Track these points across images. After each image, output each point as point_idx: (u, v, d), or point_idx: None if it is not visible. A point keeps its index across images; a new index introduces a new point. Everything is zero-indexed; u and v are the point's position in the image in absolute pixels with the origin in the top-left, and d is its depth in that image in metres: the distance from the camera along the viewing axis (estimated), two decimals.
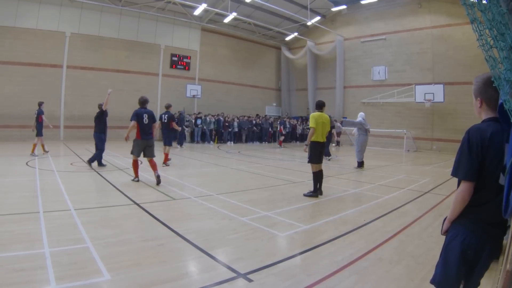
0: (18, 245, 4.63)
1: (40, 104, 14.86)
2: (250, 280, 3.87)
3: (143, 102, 10.24)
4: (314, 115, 8.39)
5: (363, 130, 13.94)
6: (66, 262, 4.14)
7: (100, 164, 11.90)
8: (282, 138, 26.55)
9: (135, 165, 9.69)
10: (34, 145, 14.36)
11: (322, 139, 8.37)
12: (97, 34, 24.13)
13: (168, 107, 13.68)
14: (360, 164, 13.92)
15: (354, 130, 14.77)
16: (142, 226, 5.70)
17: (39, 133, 14.59)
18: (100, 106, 12.29)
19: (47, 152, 14.94)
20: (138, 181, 9.56)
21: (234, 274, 4.01)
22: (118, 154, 15.78)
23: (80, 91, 23.01)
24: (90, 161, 11.88)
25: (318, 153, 8.35)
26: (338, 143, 26.22)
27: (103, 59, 24.30)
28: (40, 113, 14.57)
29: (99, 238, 4.96)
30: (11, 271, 3.86)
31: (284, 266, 4.31)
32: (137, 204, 6.98)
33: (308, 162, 8.46)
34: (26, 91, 21.38)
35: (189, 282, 3.85)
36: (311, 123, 8.29)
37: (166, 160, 13.07)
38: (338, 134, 25.43)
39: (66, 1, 22.62)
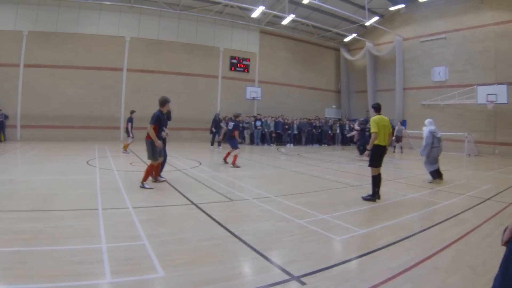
0: (77, 239, 4.74)
1: (131, 112, 17.15)
2: (303, 283, 3.74)
3: (163, 102, 9.17)
4: (374, 119, 8.12)
5: (436, 141, 11.21)
6: (122, 257, 4.18)
7: None
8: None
9: (154, 169, 9.14)
10: (127, 145, 16.29)
11: (384, 142, 8.10)
12: (156, 38, 24.88)
13: (236, 116, 13.75)
14: (434, 175, 11.24)
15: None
16: (199, 226, 5.64)
17: (129, 135, 16.63)
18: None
19: (127, 153, 15.90)
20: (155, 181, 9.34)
21: (287, 277, 3.88)
22: (177, 155, 15.94)
23: (140, 93, 23.77)
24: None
25: (379, 157, 8.08)
26: (400, 149, 24.06)
27: (163, 62, 25.00)
28: (129, 121, 16.69)
29: (156, 236, 4.97)
30: (69, 263, 3.94)
31: (339, 270, 4.15)
32: (195, 204, 6.95)
33: (369, 165, 8.18)
34: (88, 93, 22.39)
35: (243, 282, 3.77)
36: (372, 128, 8.02)
37: (234, 162, 13.05)
38: (399, 138, 23.57)
39: (125, 7, 23.55)
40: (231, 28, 27.90)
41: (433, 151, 10.95)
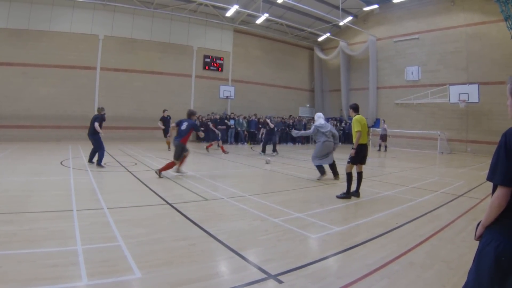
0: (51, 241, 4.70)
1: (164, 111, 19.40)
2: (280, 282, 3.81)
3: (189, 114, 11.32)
4: (357, 118, 8.42)
5: (323, 135, 10.96)
6: (98, 259, 4.18)
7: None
8: None
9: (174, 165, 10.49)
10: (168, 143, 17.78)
11: (365, 141, 8.49)
12: (130, 37, 24.63)
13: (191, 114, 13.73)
14: (322, 171, 11.18)
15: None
16: (175, 226, 5.67)
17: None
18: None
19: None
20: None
21: (264, 275, 3.95)
22: (151, 154, 15.92)
23: (114, 92, 23.53)
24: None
25: (361, 155, 8.38)
26: (385, 148, 24.00)
27: (136, 60, 24.76)
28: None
29: (131, 236, 4.98)
30: (45, 266, 3.92)
31: (315, 268, 4.23)
32: (170, 204, 6.97)
33: (349, 162, 8.37)
34: (61, 92, 22.01)
35: (220, 282, 3.82)
36: (356, 127, 8.26)
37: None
38: (384, 137, 23.75)
39: (99, 5, 23.16)
40: (205, 27, 27.85)
41: (323, 145, 10.91)
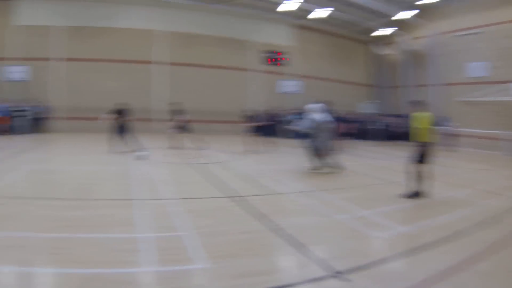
0: (117, 228, 4.90)
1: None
2: (343, 280, 3.68)
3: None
4: (417, 114, 7.88)
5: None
6: (162, 247, 4.26)
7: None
8: None
9: None
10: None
11: (428, 139, 7.87)
12: (185, 31, 24.79)
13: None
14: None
15: None
16: (239, 219, 5.67)
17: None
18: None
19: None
20: None
21: (327, 273, 3.82)
22: (213, 147, 15.94)
23: (172, 86, 23.99)
24: None
25: (423, 153, 7.88)
26: (453, 148, 21.25)
27: (194, 55, 24.99)
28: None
29: (196, 227, 5.01)
30: (112, 251, 4.10)
31: (379, 268, 4.06)
32: (236, 197, 6.96)
33: (413, 162, 7.98)
34: (120, 86, 22.64)
35: (281, 277, 3.80)
36: (417, 123, 7.83)
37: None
38: (451, 137, 21.28)
39: (154, 1, 23.74)
40: (264, 22, 27.44)
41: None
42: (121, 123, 13.26)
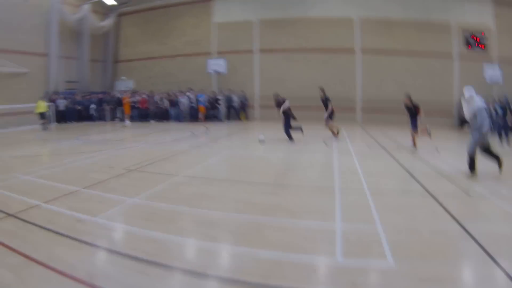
0: (312, 215, 5.08)
1: None
2: None
3: None
4: None
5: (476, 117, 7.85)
6: (354, 239, 4.25)
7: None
8: None
9: None
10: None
11: None
12: (384, 16, 23.68)
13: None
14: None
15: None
16: (433, 218, 5.24)
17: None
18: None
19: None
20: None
21: None
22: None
23: (375, 75, 23.43)
24: None
25: None
26: None
27: (394, 41, 23.63)
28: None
29: (389, 222, 4.86)
30: (302, 237, 4.26)
31: None
32: (431, 195, 6.45)
33: None
34: (322, 75, 23.16)
35: (466, 286, 3.46)
36: None
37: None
38: None
39: None
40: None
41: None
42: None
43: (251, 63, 24.93)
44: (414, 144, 12.07)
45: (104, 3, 28.42)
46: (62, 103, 23.12)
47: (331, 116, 14.54)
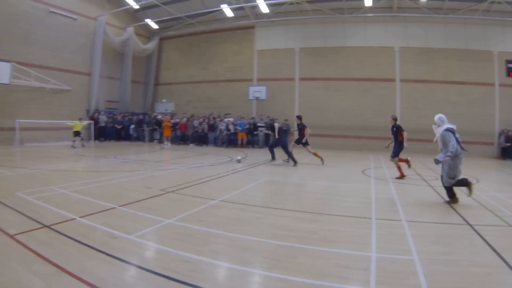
0: (347, 244, 5.03)
1: None
2: None
3: None
4: None
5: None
6: (390, 269, 4.18)
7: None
8: None
9: None
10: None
11: None
12: (425, 46, 23.68)
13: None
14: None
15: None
16: (472, 250, 5.07)
17: None
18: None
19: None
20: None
21: None
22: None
23: (414, 104, 23.19)
24: None
25: None
26: None
27: (434, 70, 23.53)
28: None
29: (426, 253, 4.75)
30: (336, 266, 4.23)
31: None
32: (470, 225, 6.28)
33: None
34: (362, 104, 23.19)
35: None
36: None
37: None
38: None
39: (389, 17, 23.57)
40: (502, 28, 23.19)
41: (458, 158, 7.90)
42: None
43: (291, 91, 25.30)
44: (402, 174, 11.70)
45: (148, 27, 29.57)
46: (103, 119, 23.96)
47: (306, 141, 14.75)
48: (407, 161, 12.05)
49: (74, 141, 19.80)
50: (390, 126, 11.97)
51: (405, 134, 11.57)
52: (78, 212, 6.14)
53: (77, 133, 19.82)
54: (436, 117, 8.40)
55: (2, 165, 12.00)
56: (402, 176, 11.54)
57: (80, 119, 20.55)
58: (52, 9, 22.30)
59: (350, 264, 4.30)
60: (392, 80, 23.66)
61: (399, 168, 11.66)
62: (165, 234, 5.33)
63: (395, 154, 11.76)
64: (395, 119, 11.95)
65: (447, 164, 7.84)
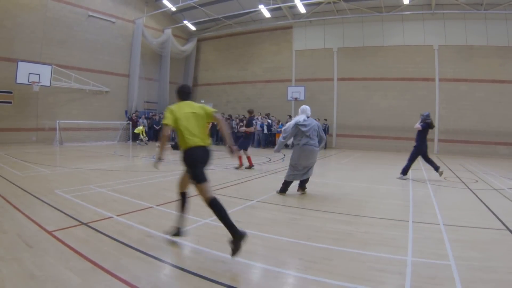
0: (383, 247, 5.03)
1: None
2: None
3: None
4: None
5: (303, 136, 8.19)
6: (425, 274, 4.15)
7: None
8: None
9: None
10: None
11: None
12: (465, 44, 22.99)
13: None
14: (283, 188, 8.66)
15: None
16: (511, 256, 4.97)
17: None
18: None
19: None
20: None
21: None
22: (494, 172, 14.47)
23: (454, 104, 22.63)
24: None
25: None
26: None
27: (475, 69, 22.75)
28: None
29: (464, 258, 4.69)
30: (371, 269, 4.25)
31: None
32: (510, 231, 6.12)
33: None
34: (400, 104, 22.82)
35: None
36: None
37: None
38: None
39: (427, 15, 23.02)
40: None
41: (302, 149, 8.26)
42: None
43: (329, 91, 25.22)
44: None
45: (186, 28, 30.05)
46: (143, 122, 24.81)
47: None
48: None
49: (138, 142, 22.78)
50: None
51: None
52: (115, 211, 6.40)
53: (137, 136, 22.64)
54: (301, 107, 8.70)
55: (42, 164, 12.57)
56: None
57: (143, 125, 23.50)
58: (91, 13, 23.17)
59: (385, 267, 4.30)
60: (431, 79, 23.15)
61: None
62: (201, 233, 5.47)
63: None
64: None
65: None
